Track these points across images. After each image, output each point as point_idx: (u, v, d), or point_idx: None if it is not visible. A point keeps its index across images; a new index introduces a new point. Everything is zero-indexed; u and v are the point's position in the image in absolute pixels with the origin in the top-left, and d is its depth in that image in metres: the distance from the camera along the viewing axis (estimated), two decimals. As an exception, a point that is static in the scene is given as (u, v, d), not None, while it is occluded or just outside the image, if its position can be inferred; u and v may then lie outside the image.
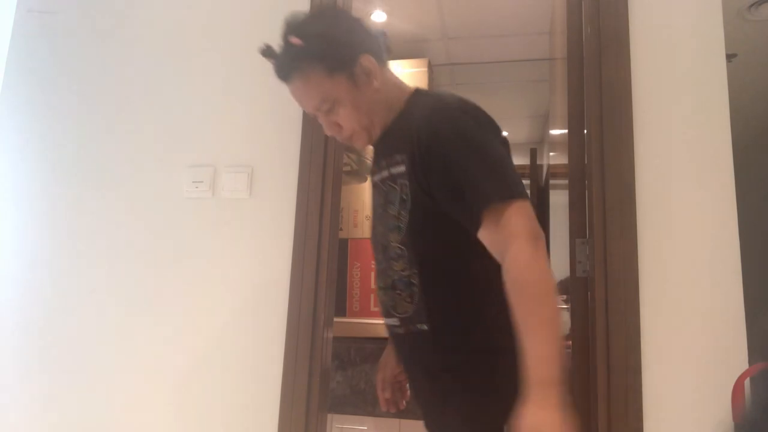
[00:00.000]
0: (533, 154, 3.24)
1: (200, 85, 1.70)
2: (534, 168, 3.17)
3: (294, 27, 1.10)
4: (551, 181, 2.80)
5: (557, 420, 0.84)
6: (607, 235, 1.37)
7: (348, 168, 2.62)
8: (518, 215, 0.95)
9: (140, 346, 1.58)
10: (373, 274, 2.49)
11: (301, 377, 1.45)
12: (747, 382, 1.16)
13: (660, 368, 1.31)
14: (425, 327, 1.08)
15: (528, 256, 0.92)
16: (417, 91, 1.17)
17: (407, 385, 1.32)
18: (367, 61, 1.09)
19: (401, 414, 2.33)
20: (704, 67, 1.42)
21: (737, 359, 1.28)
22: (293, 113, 1.59)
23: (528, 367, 0.87)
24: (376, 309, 2.43)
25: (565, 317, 2.29)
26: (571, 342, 1.45)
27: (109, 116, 1.74)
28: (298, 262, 1.51)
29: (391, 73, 1.18)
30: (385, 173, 1.13)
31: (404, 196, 1.08)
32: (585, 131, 1.47)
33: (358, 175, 2.64)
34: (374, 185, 1.20)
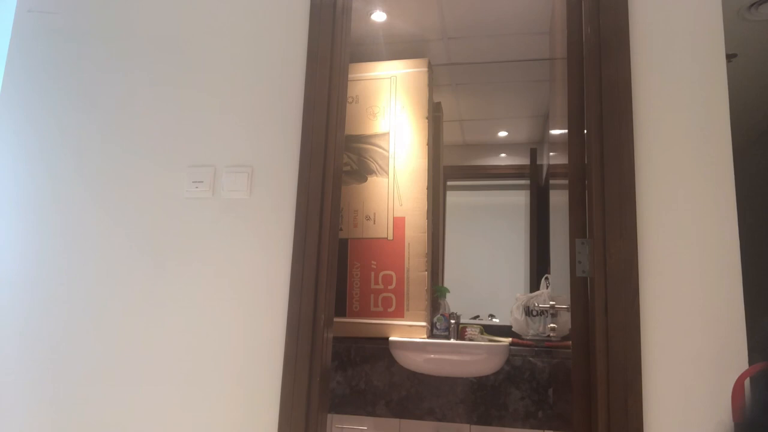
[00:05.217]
0: (533, 154, 3.24)
1: (200, 85, 1.70)
2: (534, 168, 3.17)
3: None
4: (551, 181, 2.80)
5: None
6: (607, 235, 1.37)
7: (348, 168, 2.62)
8: None
9: (139, 346, 1.58)
10: (373, 274, 2.49)
11: (301, 377, 1.45)
12: (747, 382, 1.16)
13: (660, 368, 1.31)
14: None
15: None
16: None
17: None
18: None
19: (401, 414, 2.34)
20: (704, 67, 1.42)
21: (737, 359, 1.28)
22: (293, 113, 1.59)
23: None
24: (376, 309, 2.43)
25: (565, 317, 2.29)
26: (571, 342, 1.45)
27: (108, 116, 1.74)
28: (298, 262, 1.51)
29: None
30: None
31: None
32: (585, 131, 1.48)
33: (358, 175, 2.64)
34: None
